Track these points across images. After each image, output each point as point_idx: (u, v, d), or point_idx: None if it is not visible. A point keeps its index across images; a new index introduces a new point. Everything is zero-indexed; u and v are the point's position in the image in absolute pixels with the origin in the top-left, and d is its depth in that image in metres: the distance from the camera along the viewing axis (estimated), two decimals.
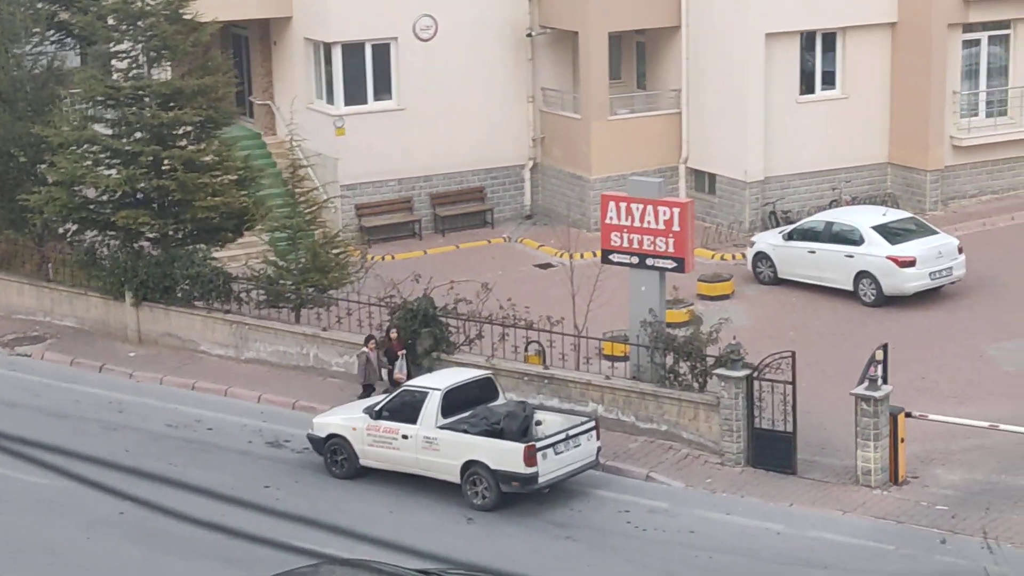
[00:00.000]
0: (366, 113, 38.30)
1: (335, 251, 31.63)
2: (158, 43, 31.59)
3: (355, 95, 38.21)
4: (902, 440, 24.05)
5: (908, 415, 24.09)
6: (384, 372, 27.73)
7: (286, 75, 40.17)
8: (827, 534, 22.61)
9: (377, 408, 25.23)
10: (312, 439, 25.90)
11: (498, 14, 39.14)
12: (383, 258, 36.32)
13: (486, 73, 39.22)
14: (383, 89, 38.50)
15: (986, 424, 24.30)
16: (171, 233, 31.82)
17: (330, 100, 38.47)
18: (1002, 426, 24.18)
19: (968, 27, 37.71)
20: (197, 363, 30.77)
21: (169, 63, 32.72)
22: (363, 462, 25.34)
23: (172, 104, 31.19)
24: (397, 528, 23.64)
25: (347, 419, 25.57)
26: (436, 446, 24.48)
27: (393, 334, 27.63)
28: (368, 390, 27.55)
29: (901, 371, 26.21)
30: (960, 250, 32.43)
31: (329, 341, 29.79)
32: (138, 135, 31.36)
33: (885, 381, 24.17)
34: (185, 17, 31.88)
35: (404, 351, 27.59)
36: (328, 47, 38.10)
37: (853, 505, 23.45)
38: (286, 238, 31.84)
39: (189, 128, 31.83)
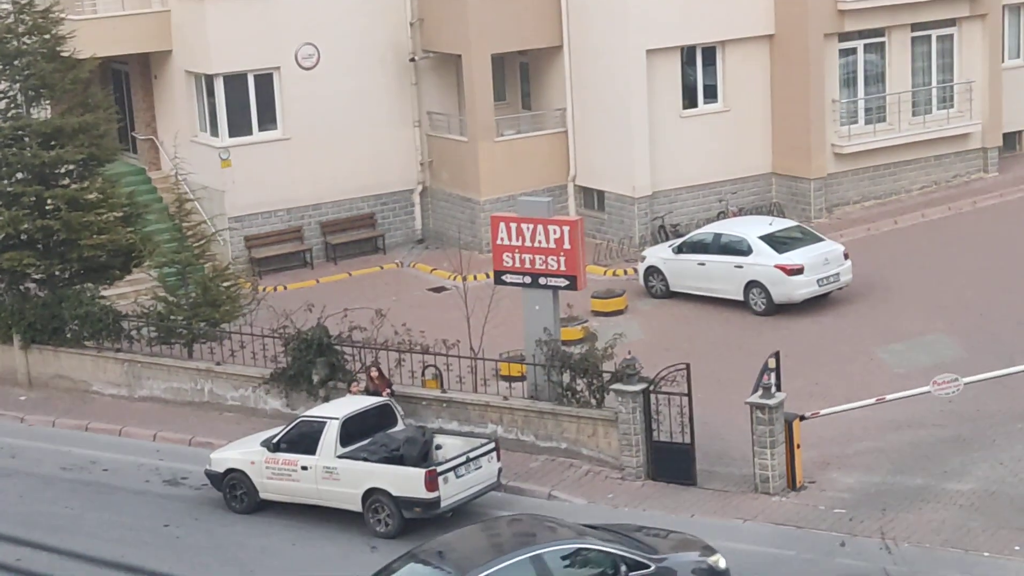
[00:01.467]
0: (251, 144, 38.09)
1: (226, 284, 31.39)
2: (36, 82, 31.21)
3: (239, 126, 38.00)
4: (798, 446, 24.33)
5: (802, 418, 24.38)
6: None
7: (168, 109, 39.82)
8: (729, 543, 22.74)
9: (275, 440, 25.04)
10: (210, 475, 25.63)
11: (380, 40, 39.15)
12: (275, 289, 36.10)
13: (371, 99, 39.20)
14: (268, 119, 38.33)
15: (873, 399, 24.56)
16: (58, 273, 31.41)
17: (214, 132, 38.21)
18: (888, 396, 24.48)
19: (844, 36, 38.35)
20: (90, 404, 30.35)
21: (48, 101, 32.31)
22: (263, 495, 25.12)
23: (53, 143, 30.80)
24: (301, 560, 23.45)
25: (245, 453, 25.34)
26: (336, 476, 24.33)
27: (373, 373, 26.61)
28: None
29: (794, 378, 26.50)
30: (846, 256, 32.93)
31: (224, 375, 29.51)
32: (19, 176, 30.92)
33: (779, 388, 24.44)
34: (63, 55, 31.53)
35: (390, 389, 26.51)
36: (210, 79, 37.83)
37: (753, 513, 23.66)
38: (175, 273, 31.55)
39: (71, 166, 31.44)
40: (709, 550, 20.31)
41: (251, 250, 37.99)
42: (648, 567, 19.00)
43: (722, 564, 20.06)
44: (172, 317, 30.59)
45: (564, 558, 18.96)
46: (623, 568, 18.87)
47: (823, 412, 24.72)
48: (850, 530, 22.75)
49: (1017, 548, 21.69)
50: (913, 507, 23.26)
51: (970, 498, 23.41)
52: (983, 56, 39.77)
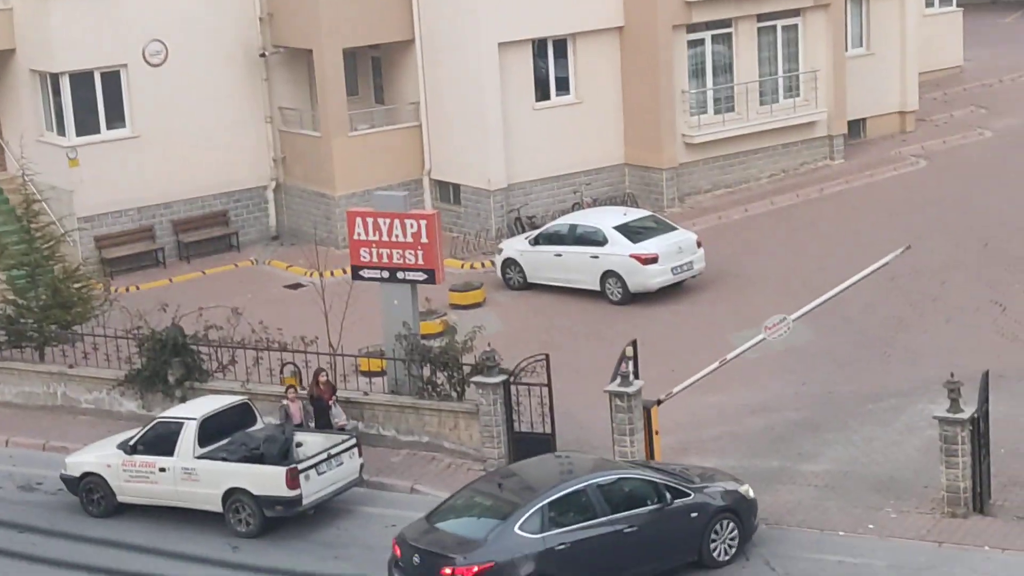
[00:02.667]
0: (100, 143, 37.46)
1: (77, 285, 30.85)
2: None
3: (87, 125, 37.35)
4: (656, 432, 24.61)
5: (659, 402, 24.68)
6: (311, 422, 25.38)
7: (13, 108, 38.99)
8: None
9: (132, 443, 24.69)
10: (66, 479, 25.19)
11: (229, 36, 38.75)
12: (127, 289, 35.56)
13: (221, 95, 38.78)
14: (116, 117, 37.71)
15: (716, 363, 24.89)
16: None
17: (61, 132, 37.51)
18: (729, 356, 24.87)
19: (692, 27, 38.84)
20: None
21: None
22: (121, 499, 24.76)
23: None
24: (162, 563, 23.16)
25: (101, 456, 24.95)
26: (195, 476, 24.07)
27: (322, 377, 25.54)
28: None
29: (651, 366, 26.80)
30: (699, 244, 33.40)
31: (77, 378, 29.01)
32: None
33: (636, 376, 24.70)
34: None
35: (335, 396, 25.74)
36: (55, 77, 37.12)
37: None
38: (24, 276, 30.92)
39: None
40: (738, 481, 22.14)
41: (102, 250, 37.36)
42: (689, 495, 21.24)
43: (751, 493, 21.97)
44: (22, 320, 29.97)
45: (615, 486, 21.04)
46: (668, 495, 21.09)
47: (675, 390, 25.03)
48: None
49: (871, 526, 22.21)
50: (769, 489, 23.67)
51: (824, 479, 23.91)
52: (827, 46, 40.56)
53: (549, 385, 25.09)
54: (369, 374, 27.78)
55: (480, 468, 25.33)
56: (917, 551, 21.29)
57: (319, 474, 23.83)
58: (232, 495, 23.77)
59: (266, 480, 23.54)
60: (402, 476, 25.44)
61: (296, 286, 35.83)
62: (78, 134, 37.23)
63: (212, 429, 24.53)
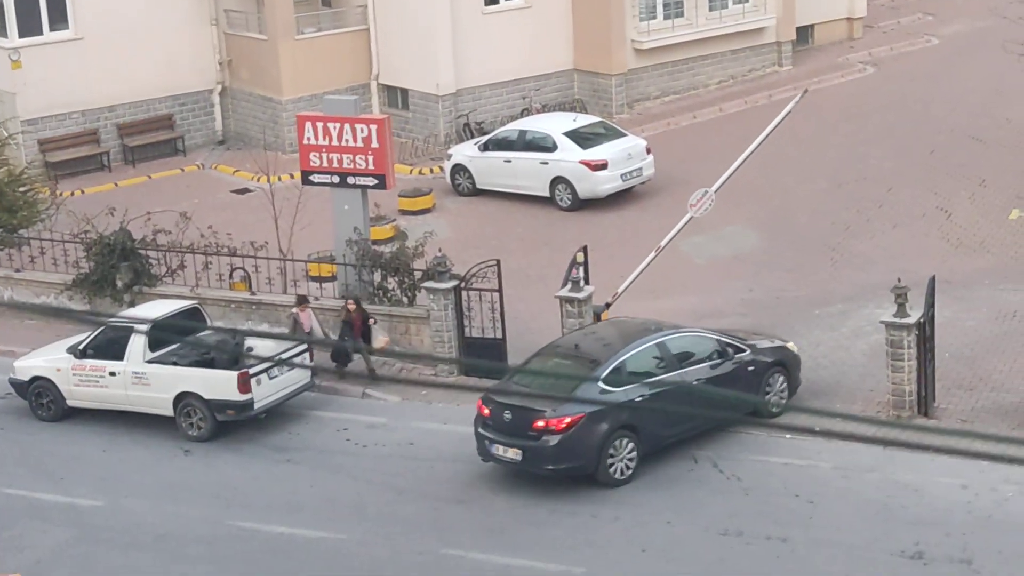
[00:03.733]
0: (42, 44, 36.91)
1: (22, 189, 30.55)
2: None
3: (29, 26, 36.77)
4: None
5: (607, 305, 24.84)
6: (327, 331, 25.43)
7: None
8: None
9: (81, 347, 24.61)
10: (15, 383, 25.12)
11: None
12: (73, 193, 35.20)
13: None
14: (59, 19, 37.15)
15: (652, 254, 25.15)
16: None
17: (2, 33, 36.91)
18: (662, 243, 25.16)
19: None
20: None
21: None
22: (71, 403, 24.72)
23: None
24: (112, 466, 23.22)
25: (51, 360, 24.87)
26: (146, 381, 24.06)
27: (351, 305, 24.78)
28: (342, 361, 25.54)
29: (601, 272, 26.93)
30: (648, 151, 33.45)
31: (24, 282, 28.85)
32: None
33: (587, 282, 24.85)
34: None
35: (374, 319, 24.99)
36: None
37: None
38: None
39: None
40: (784, 339, 23.71)
41: (46, 154, 36.95)
42: (745, 350, 22.74)
43: (796, 350, 23.51)
44: None
45: (683, 342, 22.50)
46: (729, 351, 22.54)
47: (620, 290, 25.19)
48: None
49: (817, 429, 22.46)
50: None
51: None
52: None
53: (500, 291, 25.19)
54: (319, 279, 27.78)
55: (431, 373, 25.46)
56: (862, 452, 21.63)
57: (270, 379, 23.87)
58: (183, 399, 23.80)
59: (217, 384, 23.56)
60: (354, 381, 25.51)
61: (244, 191, 35.62)
62: (20, 35, 36.66)
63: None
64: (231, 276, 27.62)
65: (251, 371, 23.56)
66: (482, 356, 25.29)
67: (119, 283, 27.57)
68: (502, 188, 33.75)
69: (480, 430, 21.63)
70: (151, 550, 20.57)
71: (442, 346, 25.39)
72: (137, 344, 24.17)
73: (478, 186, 34.08)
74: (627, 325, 23.19)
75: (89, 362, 24.45)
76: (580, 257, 24.90)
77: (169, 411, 23.95)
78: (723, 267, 28.76)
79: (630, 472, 21.21)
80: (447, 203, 33.78)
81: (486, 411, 21.52)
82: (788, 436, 22.38)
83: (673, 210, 32.09)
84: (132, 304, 26.97)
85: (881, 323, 22.66)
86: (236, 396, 23.47)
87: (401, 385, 25.09)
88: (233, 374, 23.50)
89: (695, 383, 21.86)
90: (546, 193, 33.06)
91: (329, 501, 21.63)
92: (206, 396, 23.62)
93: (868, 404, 23.07)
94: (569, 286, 24.62)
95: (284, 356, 24.17)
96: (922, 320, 22.35)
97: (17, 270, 29.03)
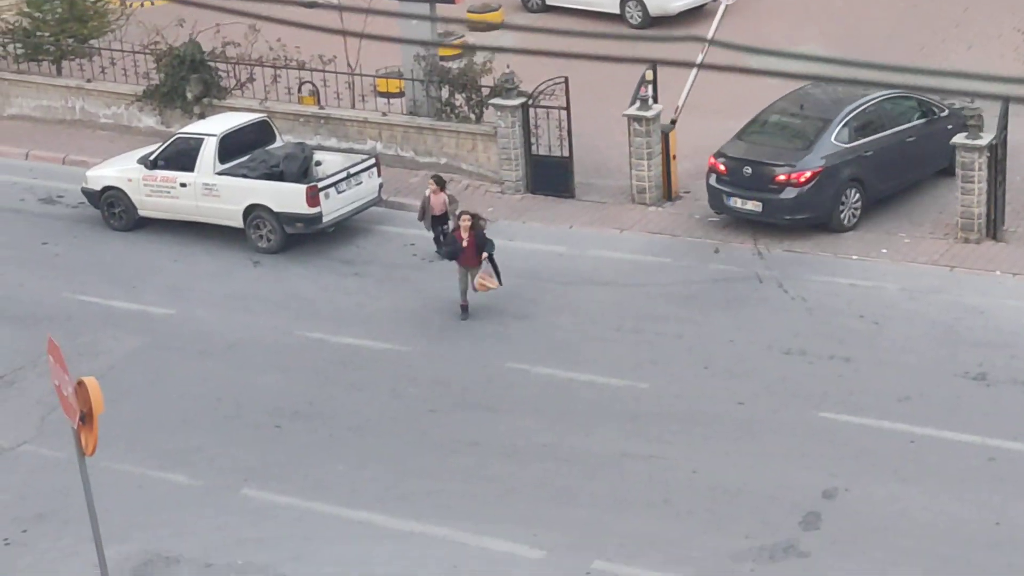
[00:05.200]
0: None
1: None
2: None
3: None
4: (674, 157, 24.71)
5: (673, 123, 24.68)
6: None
7: None
8: (607, 252, 23.29)
9: (152, 157, 24.82)
10: (87, 193, 25.43)
11: None
12: (142, 4, 35.17)
13: None
14: None
15: (699, 55, 24.79)
16: None
17: None
18: (708, 34, 24.96)
19: None
20: None
21: None
22: (142, 213, 25.02)
23: None
24: (183, 276, 23.58)
25: (122, 171, 25.12)
26: (216, 192, 24.27)
27: (465, 221, 21.13)
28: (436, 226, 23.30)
29: (669, 91, 26.68)
30: None
31: (95, 92, 29.00)
32: None
33: (655, 100, 24.67)
34: None
35: (487, 255, 21.25)
36: None
37: (630, 223, 24.14)
38: None
39: None
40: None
41: None
42: (945, 111, 23.99)
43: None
44: (39, 33, 29.77)
45: (897, 102, 23.78)
46: (934, 111, 23.93)
47: (680, 103, 24.94)
48: (724, 238, 23.35)
49: (884, 251, 22.48)
50: None
51: None
52: None
53: (568, 108, 25.06)
54: (387, 95, 27.73)
55: (498, 190, 25.51)
56: (929, 275, 21.59)
57: (339, 192, 24.01)
58: (253, 211, 24.02)
59: (286, 197, 23.74)
60: (420, 196, 25.59)
61: (312, 4, 35.30)
62: None
63: (232, 145, 24.62)
64: (299, 90, 27.63)
65: (320, 184, 23.71)
66: (549, 174, 25.28)
67: (189, 95, 27.67)
68: (572, 4, 33.36)
69: (715, 184, 23.27)
70: (221, 358, 20.99)
71: (509, 163, 25.38)
72: (207, 155, 24.34)
73: (547, 2, 33.69)
74: (833, 90, 24.02)
75: (160, 172, 24.67)
76: (649, 75, 24.68)
77: (239, 223, 24.20)
78: (795, 85, 28.34)
79: (855, 220, 23.03)
80: (516, 19, 33.45)
81: (722, 167, 23.12)
82: (855, 257, 22.34)
83: (745, 29, 31.68)
84: (202, 116, 27.09)
85: (952, 145, 22.42)
86: (305, 209, 23.65)
87: (466, 202, 25.14)
88: (302, 187, 23.66)
89: (907, 140, 23.43)
90: (616, 10, 32.66)
91: (395, 313, 21.92)
92: (275, 208, 23.82)
93: (937, 227, 22.94)
94: (637, 104, 24.46)
95: (352, 170, 24.29)
96: (994, 142, 22.08)
97: (88, 80, 29.16)
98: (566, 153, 25.22)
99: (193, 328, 21.90)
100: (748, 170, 22.83)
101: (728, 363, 19.71)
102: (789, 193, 22.60)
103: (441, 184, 23.14)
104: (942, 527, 15.81)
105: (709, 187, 23.34)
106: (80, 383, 13.80)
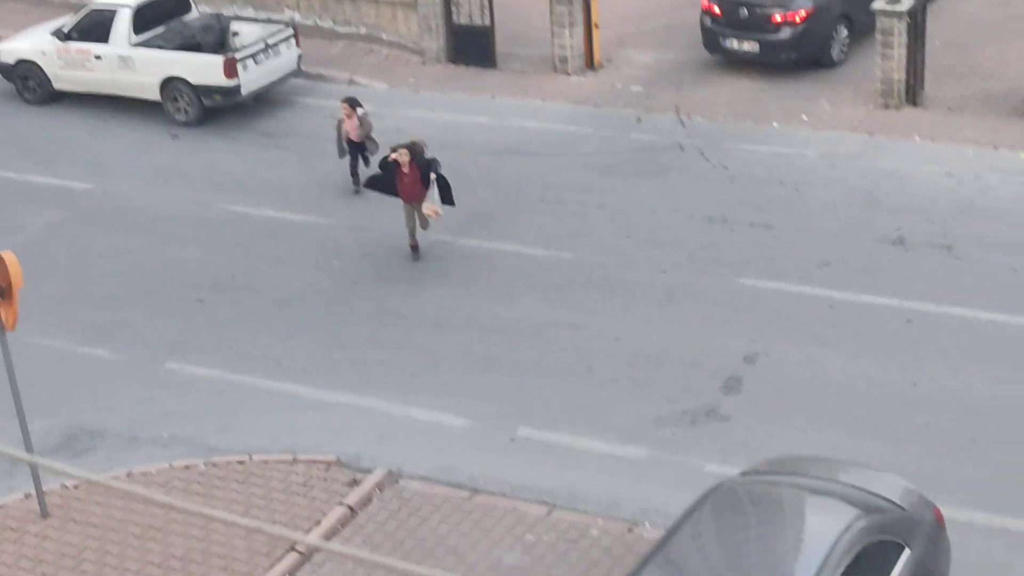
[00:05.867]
0: None
1: None
2: None
3: None
4: (596, 25, 24.59)
5: None
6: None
7: None
8: (529, 122, 23.23)
9: (66, 30, 24.35)
10: (0, 67, 24.94)
11: None
12: None
13: None
14: None
15: None
16: None
17: None
18: None
19: None
20: None
21: None
22: (57, 86, 24.62)
23: None
24: (102, 150, 23.29)
25: (35, 43, 24.66)
26: (132, 65, 23.90)
27: (403, 156, 18.68)
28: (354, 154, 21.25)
29: None
30: None
31: None
32: None
33: None
34: None
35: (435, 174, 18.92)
36: None
37: (553, 93, 24.06)
38: None
39: None
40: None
41: None
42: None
43: None
44: None
45: None
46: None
47: None
48: (646, 107, 23.35)
49: (805, 117, 22.58)
50: (706, 83, 23.89)
51: (758, 71, 24.11)
52: None
53: None
54: None
55: (419, 60, 25.29)
56: (848, 141, 21.74)
57: (257, 64, 23.72)
58: (170, 84, 23.69)
59: (203, 69, 23.42)
60: (340, 67, 25.39)
61: None
62: None
63: (147, 17, 24.21)
64: None
65: (237, 56, 23.39)
66: (470, 43, 25.09)
67: None
68: None
69: (710, 26, 24.04)
70: (144, 232, 20.81)
71: (430, 33, 25.14)
72: (121, 27, 23.91)
73: None
74: None
75: (74, 45, 24.24)
76: None
77: (156, 96, 23.87)
78: None
79: (844, 56, 24.03)
80: None
81: (717, 10, 23.87)
82: (775, 124, 22.43)
83: None
84: None
85: (872, 10, 22.44)
86: (223, 81, 23.36)
87: (387, 72, 24.95)
88: (219, 58, 23.34)
89: None
90: None
91: (318, 186, 21.79)
92: (192, 81, 23.50)
93: (857, 93, 23.06)
94: None
95: (270, 41, 23.97)
96: (915, 8, 22.13)
97: None
98: (487, 22, 25.02)
99: (113, 202, 21.67)
100: (745, 12, 23.65)
101: (650, 232, 19.81)
102: (785, 32, 23.56)
103: (354, 105, 20.88)
104: (861, 389, 16.09)
105: (704, 29, 24.18)
106: None
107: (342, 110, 20.80)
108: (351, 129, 20.86)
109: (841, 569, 11.18)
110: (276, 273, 19.48)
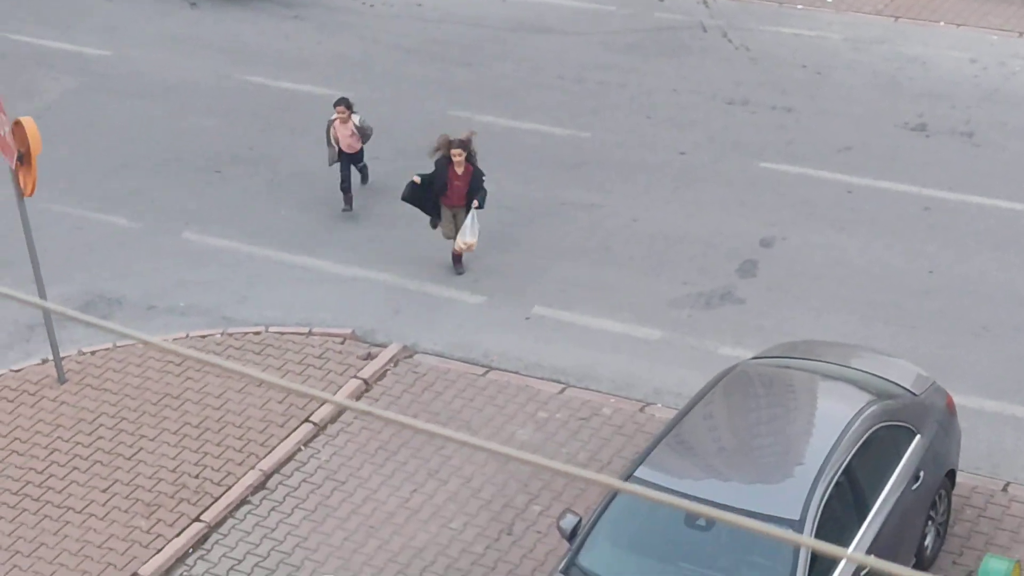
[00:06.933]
0: None
1: None
2: None
3: None
4: None
5: None
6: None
7: None
8: None
9: None
10: None
11: None
12: None
13: None
14: None
15: None
16: None
17: None
18: None
19: None
20: None
21: None
22: None
23: None
24: (119, 16, 23.11)
25: None
26: None
27: (457, 154, 16.34)
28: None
29: None
30: None
31: None
32: None
33: None
34: None
35: (477, 203, 16.43)
36: None
37: None
38: None
39: None
40: None
41: None
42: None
43: None
44: None
45: None
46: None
47: None
48: None
49: (830, 0, 22.31)
50: None
51: None
52: None
53: None
54: None
55: None
56: (873, 24, 21.51)
57: None
58: None
59: None
60: None
61: None
62: None
63: None
64: None
65: None
66: None
67: None
68: None
69: None
70: (160, 100, 20.73)
71: None
72: None
73: None
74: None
75: None
76: None
77: None
78: None
79: None
80: None
81: None
82: (800, 7, 22.19)
83: None
84: None
85: None
86: None
87: None
88: None
89: None
90: None
91: (337, 58, 21.65)
92: None
93: None
94: None
95: None
96: None
97: None
98: None
99: (130, 69, 21.56)
100: None
101: (670, 112, 19.69)
102: None
103: (349, 106, 17.67)
104: (876, 274, 16.10)
105: None
106: (17, 123, 13.63)
107: (336, 112, 17.64)
108: (342, 138, 17.65)
109: (852, 453, 11.28)
110: (294, 145, 19.43)
